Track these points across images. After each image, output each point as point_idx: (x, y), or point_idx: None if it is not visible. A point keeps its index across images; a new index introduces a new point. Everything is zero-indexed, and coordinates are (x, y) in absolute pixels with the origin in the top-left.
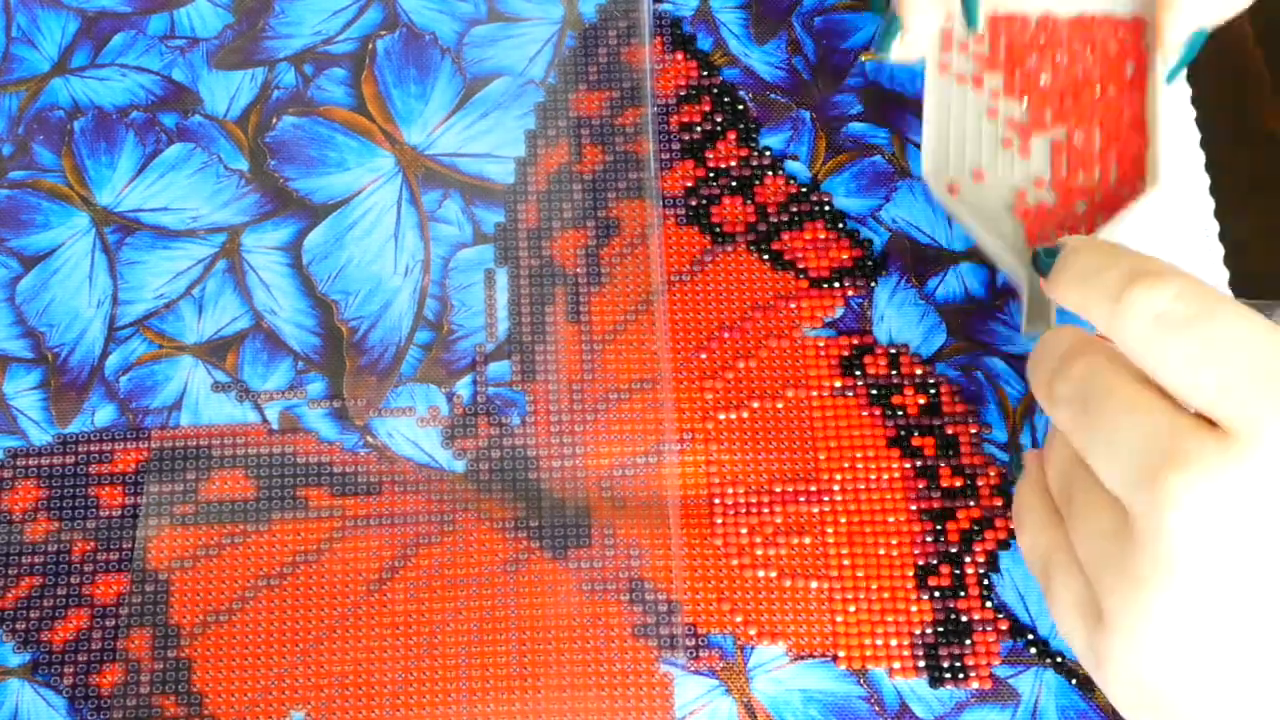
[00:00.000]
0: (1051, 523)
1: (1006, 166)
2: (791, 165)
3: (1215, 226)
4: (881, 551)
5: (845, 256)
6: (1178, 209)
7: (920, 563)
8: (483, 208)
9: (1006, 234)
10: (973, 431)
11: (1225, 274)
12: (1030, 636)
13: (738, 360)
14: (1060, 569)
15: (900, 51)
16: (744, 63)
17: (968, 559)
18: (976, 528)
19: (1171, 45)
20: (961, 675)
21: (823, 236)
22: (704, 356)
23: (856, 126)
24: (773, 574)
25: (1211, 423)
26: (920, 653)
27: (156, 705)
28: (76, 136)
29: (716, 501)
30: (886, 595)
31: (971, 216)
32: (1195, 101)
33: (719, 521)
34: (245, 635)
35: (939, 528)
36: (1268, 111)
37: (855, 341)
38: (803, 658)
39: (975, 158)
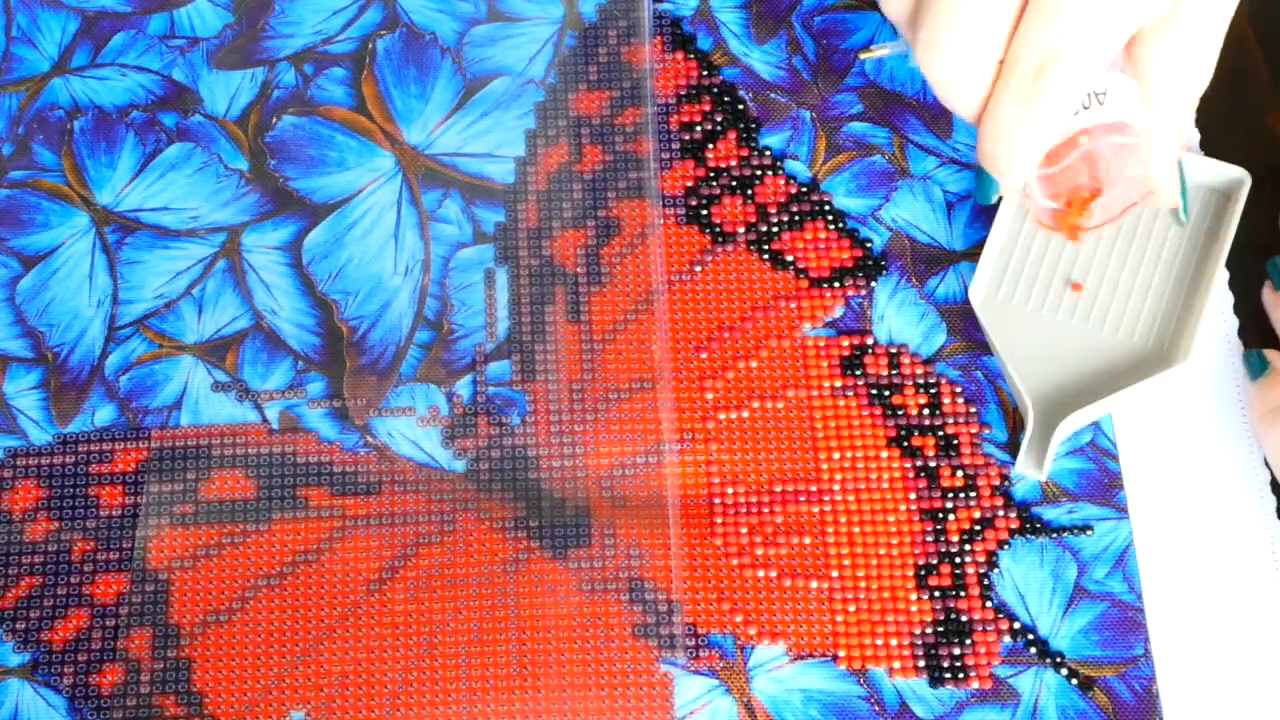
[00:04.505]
0: None
1: (1051, 313)
2: (791, 165)
3: None
4: (881, 551)
5: (845, 256)
6: None
7: (920, 562)
8: (483, 207)
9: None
10: (973, 431)
11: (1225, 275)
12: (1030, 636)
13: (738, 360)
14: None
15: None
16: (744, 62)
17: (968, 559)
18: (976, 528)
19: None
20: (961, 675)
21: (823, 236)
22: (704, 356)
23: (856, 126)
24: (773, 574)
25: None
26: (920, 653)
27: (156, 705)
28: (76, 136)
29: (716, 501)
30: (886, 595)
31: (1003, 347)
32: None
33: (719, 521)
34: (245, 635)
35: (939, 528)
36: (1268, 111)
37: (855, 341)
38: (803, 657)
39: (1025, 297)
